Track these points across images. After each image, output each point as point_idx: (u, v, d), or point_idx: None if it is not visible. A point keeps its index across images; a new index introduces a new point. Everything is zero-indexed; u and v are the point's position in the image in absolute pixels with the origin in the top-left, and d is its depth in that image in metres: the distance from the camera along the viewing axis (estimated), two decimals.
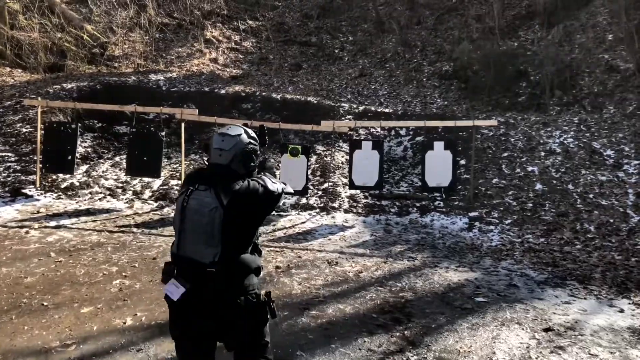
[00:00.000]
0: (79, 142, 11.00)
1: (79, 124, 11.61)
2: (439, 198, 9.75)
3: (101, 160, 10.70)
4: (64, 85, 12.59)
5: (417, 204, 9.63)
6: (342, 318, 5.07)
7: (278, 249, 7.26)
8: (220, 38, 19.02)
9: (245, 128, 2.85)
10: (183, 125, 9.40)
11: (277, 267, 6.43)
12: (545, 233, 8.19)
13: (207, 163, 2.82)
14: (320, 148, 11.97)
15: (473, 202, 9.34)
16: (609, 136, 10.69)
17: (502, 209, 9.04)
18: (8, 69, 14.68)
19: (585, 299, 5.84)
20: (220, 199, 2.53)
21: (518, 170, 10.10)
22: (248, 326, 2.70)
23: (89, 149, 11.02)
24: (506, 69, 14.67)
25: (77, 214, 8.46)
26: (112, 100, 11.80)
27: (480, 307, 5.48)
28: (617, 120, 11.36)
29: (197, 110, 9.30)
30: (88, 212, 8.57)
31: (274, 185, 2.77)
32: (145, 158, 9.06)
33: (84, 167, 10.35)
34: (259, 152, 2.85)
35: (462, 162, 10.76)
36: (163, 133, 9.14)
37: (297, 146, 9.17)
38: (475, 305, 5.52)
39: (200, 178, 2.68)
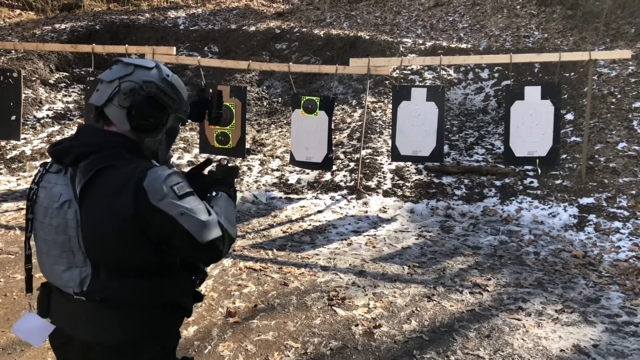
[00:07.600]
0: (59, 96, 8.76)
1: (67, 73, 9.35)
2: (532, 174, 6.49)
3: (80, 120, 8.32)
4: (57, 26, 10.26)
5: (498, 183, 6.42)
6: None
7: (256, 266, 4.50)
8: None
9: (164, 67, 1.54)
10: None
11: (230, 314, 3.68)
12: None
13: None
14: (370, 99, 8.96)
15: (586, 182, 6.02)
16: None
17: (633, 192, 5.72)
18: (18, 11, 12.64)
19: None
20: (74, 185, 1.39)
21: None
22: None
23: (70, 105, 8.65)
24: None
25: (20, 196, 6.15)
26: (113, 42, 9.75)
27: None
28: None
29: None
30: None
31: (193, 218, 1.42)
32: None
33: (51, 129, 7.97)
34: (172, 112, 1.55)
35: (569, 116, 7.35)
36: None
37: (314, 98, 6.19)
38: None
39: (57, 152, 1.45)
